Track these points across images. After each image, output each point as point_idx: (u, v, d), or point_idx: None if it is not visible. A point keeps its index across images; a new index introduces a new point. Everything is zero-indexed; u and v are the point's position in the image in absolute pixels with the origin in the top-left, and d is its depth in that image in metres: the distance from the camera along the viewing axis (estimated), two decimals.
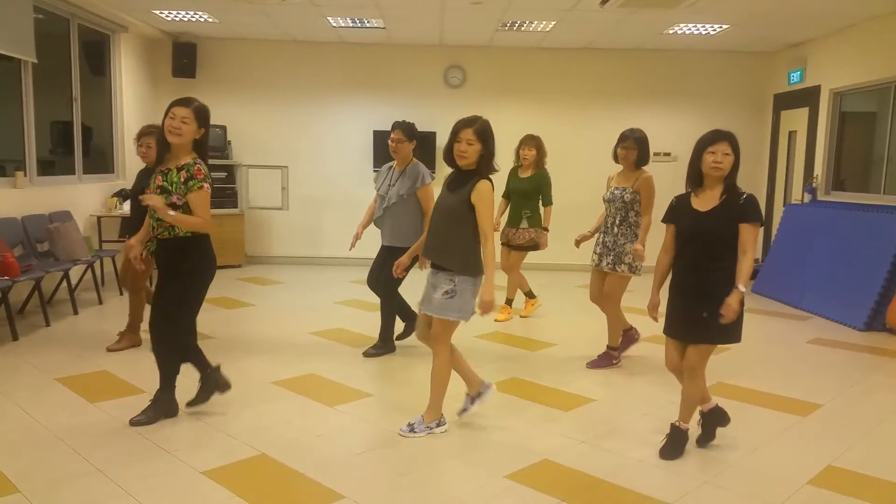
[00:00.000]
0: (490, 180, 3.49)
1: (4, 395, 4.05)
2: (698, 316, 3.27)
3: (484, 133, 3.47)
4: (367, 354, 5.04)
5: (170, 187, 3.50)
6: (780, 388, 4.51)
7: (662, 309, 3.51)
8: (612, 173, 4.93)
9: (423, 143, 8.94)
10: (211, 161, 9.15)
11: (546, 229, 6.06)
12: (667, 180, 5.83)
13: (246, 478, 3.10)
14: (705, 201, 3.32)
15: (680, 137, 8.67)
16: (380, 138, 9.01)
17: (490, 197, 3.45)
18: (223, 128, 8.77)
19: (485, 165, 3.48)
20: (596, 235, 4.93)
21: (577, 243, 5.02)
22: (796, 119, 8.53)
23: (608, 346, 4.96)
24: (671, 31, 7.85)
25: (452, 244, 3.49)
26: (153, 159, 4.59)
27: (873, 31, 7.06)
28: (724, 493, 3.07)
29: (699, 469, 3.29)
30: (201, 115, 3.56)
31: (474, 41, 8.72)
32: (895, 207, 6.49)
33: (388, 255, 4.88)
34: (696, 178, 3.36)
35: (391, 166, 5.11)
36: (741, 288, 3.19)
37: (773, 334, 6.07)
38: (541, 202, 6.05)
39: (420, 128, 9.06)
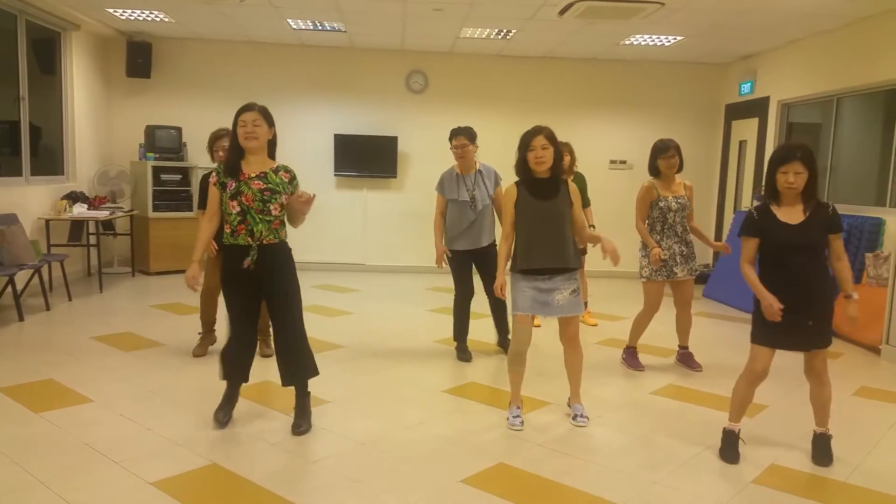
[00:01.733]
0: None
1: None
2: (804, 325, 3.36)
3: (554, 137, 3.77)
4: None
5: (278, 188, 3.59)
6: (729, 389, 4.58)
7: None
8: (647, 183, 4.92)
9: (385, 147, 9.02)
10: (165, 163, 9.02)
11: (593, 226, 6.16)
12: (623, 187, 5.97)
13: (197, 488, 3.04)
14: (790, 214, 3.35)
15: (636, 145, 8.86)
16: (341, 142, 8.99)
17: (577, 192, 3.84)
18: (178, 129, 8.61)
19: (559, 167, 3.80)
20: (642, 249, 4.96)
21: (658, 260, 4.82)
22: (747, 129, 8.78)
23: (683, 347, 5.20)
24: (627, 42, 8.01)
25: (568, 245, 3.76)
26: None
27: (819, 46, 7.33)
28: (673, 492, 3.14)
29: (650, 469, 3.36)
30: (268, 115, 3.69)
31: (436, 47, 8.76)
32: None
33: (489, 256, 5.01)
34: (772, 193, 3.40)
35: (455, 173, 5.07)
36: (855, 295, 3.39)
37: (722, 338, 6.22)
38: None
39: (381, 132, 9.19)
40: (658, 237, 4.87)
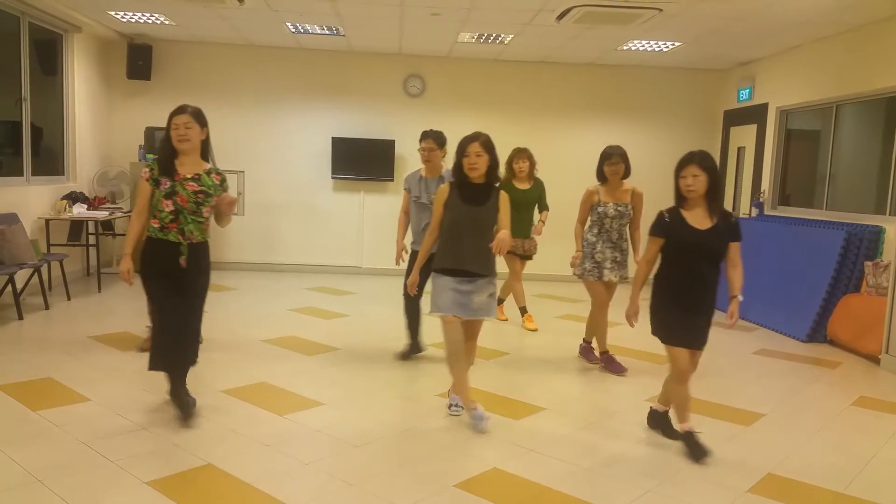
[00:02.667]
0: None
1: None
2: (699, 324, 3.60)
3: (489, 145, 3.84)
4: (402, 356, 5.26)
5: (210, 191, 3.73)
6: (725, 397, 4.64)
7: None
8: (592, 187, 5.03)
9: (382, 151, 9.04)
10: (146, 167, 8.99)
11: (543, 222, 6.42)
12: None
13: (192, 488, 3.05)
14: (698, 219, 3.53)
15: (634, 151, 8.76)
16: (338, 145, 9.01)
17: (508, 203, 3.90)
18: None
19: (494, 175, 3.87)
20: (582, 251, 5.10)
21: (575, 264, 5.10)
22: (745, 135, 8.80)
23: (602, 351, 5.24)
24: (625, 48, 8.03)
25: (488, 251, 3.80)
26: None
27: (818, 53, 7.34)
28: (668, 500, 3.15)
29: (645, 477, 3.37)
30: (200, 117, 3.78)
31: (434, 51, 8.79)
32: (837, 223, 6.74)
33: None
34: (679, 198, 3.58)
35: (420, 176, 5.10)
36: (740, 297, 3.60)
37: (720, 345, 6.22)
38: (536, 209, 6.39)
39: (379, 136, 9.20)
40: (594, 240, 5.01)
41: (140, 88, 8.79)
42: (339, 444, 3.61)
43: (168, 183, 3.64)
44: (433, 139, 5.02)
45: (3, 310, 6.16)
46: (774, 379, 5.22)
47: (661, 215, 3.61)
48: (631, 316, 3.71)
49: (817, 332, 6.34)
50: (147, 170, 3.70)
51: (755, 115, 8.47)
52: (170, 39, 8.74)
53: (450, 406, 4.13)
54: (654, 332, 3.68)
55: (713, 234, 3.50)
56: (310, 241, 9.17)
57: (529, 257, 6.42)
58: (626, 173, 4.98)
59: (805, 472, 3.51)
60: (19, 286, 6.21)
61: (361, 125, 9.14)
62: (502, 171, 6.19)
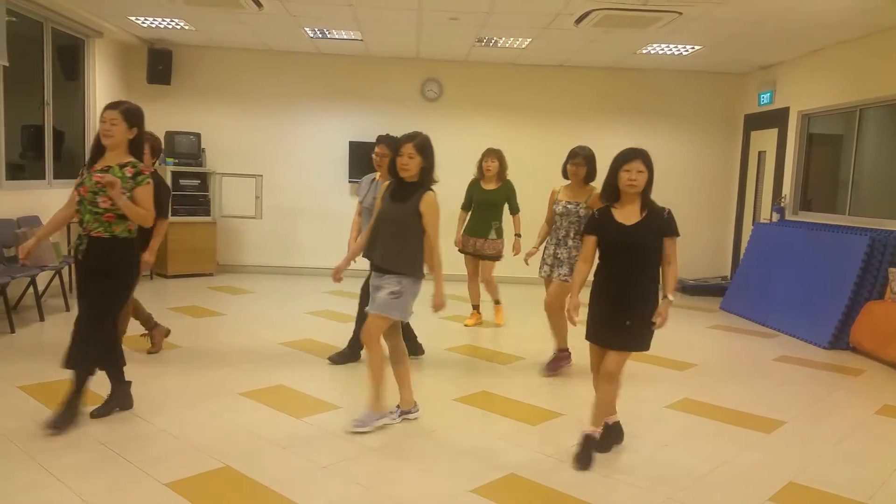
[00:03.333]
0: (433, 191, 3.79)
1: None
2: (621, 324, 3.43)
3: (424, 147, 3.77)
4: (332, 360, 5.13)
5: (116, 182, 3.56)
6: (745, 404, 4.57)
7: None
8: (557, 187, 5.10)
9: None
10: (184, 168, 9.12)
11: (518, 235, 6.24)
12: None
13: (210, 490, 3.06)
14: (627, 215, 3.47)
15: (653, 156, 8.77)
16: (356, 149, 9.03)
17: (437, 207, 3.77)
18: (197, 135, 8.71)
19: (426, 177, 3.78)
20: (542, 248, 5.16)
21: (527, 260, 5.31)
22: (766, 139, 8.71)
23: (558, 349, 5.16)
24: (644, 51, 7.99)
25: (402, 250, 3.74)
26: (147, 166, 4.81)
27: (840, 56, 7.25)
28: None
29: (663, 484, 3.32)
30: (130, 116, 3.66)
31: (451, 55, 8.79)
32: (860, 228, 6.64)
33: None
34: (612, 193, 3.50)
35: (373, 178, 5.08)
36: (671, 298, 3.41)
37: (740, 351, 6.16)
38: (509, 211, 6.27)
39: None
40: (549, 238, 5.08)
41: (160, 93, 8.88)
42: (355, 447, 3.60)
43: (85, 174, 3.63)
44: (386, 145, 4.97)
45: (25, 311, 6.23)
46: (796, 386, 5.14)
47: (591, 214, 3.60)
48: (570, 310, 3.55)
49: (840, 339, 6.24)
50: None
51: (776, 119, 8.38)
52: (190, 44, 8.82)
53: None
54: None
55: (638, 229, 3.41)
56: (326, 244, 9.17)
57: (484, 257, 6.23)
58: (589, 176, 4.93)
59: (828, 481, 3.44)
60: (41, 288, 6.28)
61: (379, 129, 9.00)
62: (473, 170, 6.25)
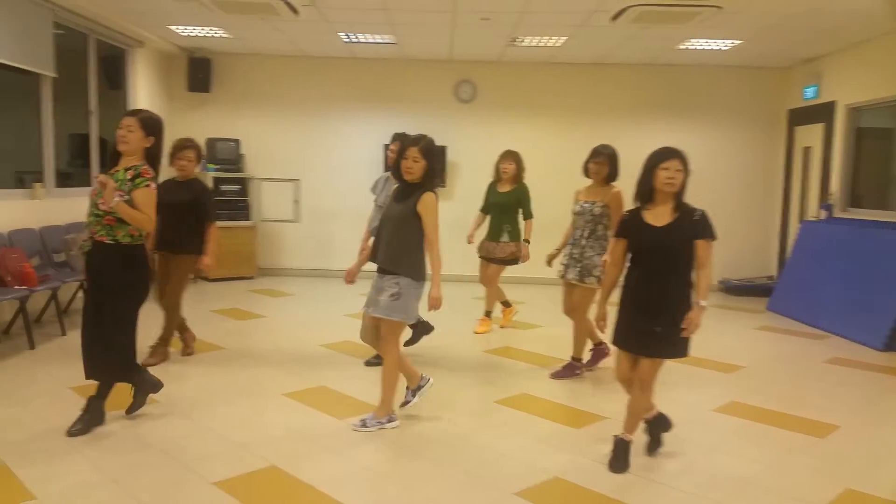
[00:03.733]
0: (434, 192, 3.77)
1: (21, 404, 4.08)
2: (652, 330, 3.31)
3: (428, 151, 3.75)
4: (369, 363, 5.10)
5: (114, 186, 3.52)
6: (796, 408, 4.43)
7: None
8: (580, 187, 5.00)
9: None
10: (225, 174, 9.23)
11: (527, 241, 6.09)
12: None
13: (256, 489, 3.09)
14: (658, 217, 3.35)
15: (692, 153, 8.52)
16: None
17: (434, 207, 3.73)
18: (236, 141, 8.84)
19: (429, 179, 3.77)
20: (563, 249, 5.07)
21: (549, 261, 5.16)
22: (811, 135, 8.47)
23: (572, 357, 5.02)
24: (684, 47, 7.84)
25: (401, 250, 3.75)
26: (191, 172, 5.01)
27: (888, 47, 7.00)
28: None
29: (712, 489, 3.24)
30: (148, 124, 3.65)
31: (485, 56, 8.76)
32: None
33: None
34: (646, 193, 3.38)
35: (387, 177, 5.09)
36: (703, 303, 3.26)
37: (789, 353, 5.98)
38: (521, 216, 6.11)
39: None
40: (571, 237, 4.97)
41: (200, 101, 9.04)
42: (398, 448, 3.60)
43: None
44: (401, 142, 4.96)
45: (76, 314, 6.37)
46: (849, 389, 4.97)
47: (622, 215, 3.52)
48: (598, 319, 3.55)
49: (895, 341, 6.02)
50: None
51: (822, 113, 8.14)
52: (228, 52, 8.96)
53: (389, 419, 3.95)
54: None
55: (669, 231, 3.28)
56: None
57: (493, 260, 6.08)
58: (611, 176, 4.83)
59: (887, 487, 3.31)
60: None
61: (413, 131, 9.04)
62: (554, 175, 6.18)
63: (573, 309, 4.93)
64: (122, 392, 4.33)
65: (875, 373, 5.39)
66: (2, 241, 5.49)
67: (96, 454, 3.39)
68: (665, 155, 3.34)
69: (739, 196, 9.13)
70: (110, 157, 3.74)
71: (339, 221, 9.29)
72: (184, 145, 5.05)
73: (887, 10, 5.54)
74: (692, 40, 7.53)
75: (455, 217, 9.20)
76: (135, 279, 3.65)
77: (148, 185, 3.58)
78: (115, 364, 3.69)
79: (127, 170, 3.60)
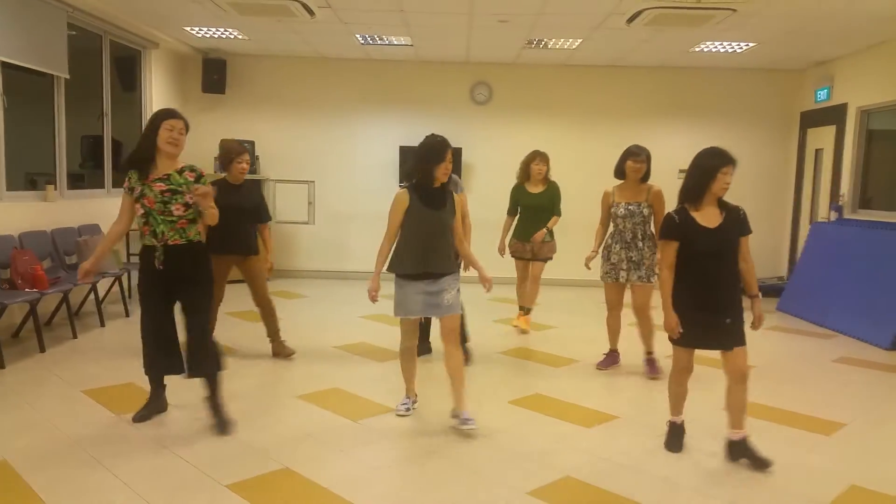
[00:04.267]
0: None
1: (32, 407, 4.12)
2: (723, 323, 3.43)
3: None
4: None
5: (180, 188, 3.66)
6: (805, 406, 4.45)
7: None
8: (609, 188, 5.04)
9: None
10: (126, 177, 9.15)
11: (549, 230, 6.24)
12: None
13: (270, 492, 3.12)
14: (709, 218, 3.45)
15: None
16: (406, 154, 9.09)
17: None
18: (251, 143, 8.88)
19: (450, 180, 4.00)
20: (601, 252, 5.09)
21: (588, 264, 5.17)
22: (823, 137, 8.45)
23: (648, 353, 5.12)
24: (698, 49, 7.84)
25: (450, 250, 3.95)
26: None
27: None
28: None
29: (721, 487, 3.26)
30: (187, 126, 3.85)
31: (500, 58, 8.78)
32: None
33: None
34: (699, 195, 3.45)
35: None
36: (759, 294, 3.50)
37: (798, 352, 5.98)
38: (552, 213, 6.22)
39: None
40: (610, 242, 5.02)
41: (215, 102, 9.10)
42: (411, 449, 3.63)
43: (139, 189, 3.64)
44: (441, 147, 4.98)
45: (86, 317, 6.45)
46: (856, 387, 4.98)
47: (670, 217, 3.50)
48: (672, 328, 3.48)
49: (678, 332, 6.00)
50: (126, 179, 3.69)
51: (834, 115, 8.12)
52: (243, 54, 9.02)
53: (398, 407, 4.18)
54: (670, 337, 3.58)
55: (723, 231, 3.42)
56: (378, 249, 9.27)
57: (540, 259, 6.22)
58: (647, 175, 4.93)
59: (892, 484, 3.33)
60: (101, 294, 6.49)
61: (428, 133, 9.18)
62: (570, 177, 6.21)
63: (641, 307, 5.03)
64: (131, 395, 4.39)
65: (882, 371, 5.40)
66: (13, 243, 5.49)
67: (107, 457, 3.41)
68: (725, 160, 3.42)
69: (752, 197, 9.07)
70: (141, 161, 3.69)
71: (353, 223, 9.34)
72: (241, 149, 5.13)
73: None
74: (706, 43, 7.53)
75: (473, 218, 9.22)
76: (210, 272, 3.84)
77: (208, 182, 3.80)
78: (214, 356, 3.84)
79: (182, 172, 3.71)
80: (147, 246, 3.70)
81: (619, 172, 4.96)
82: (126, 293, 6.78)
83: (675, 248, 3.47)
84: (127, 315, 6.61)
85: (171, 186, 3.66)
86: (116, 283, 6.75)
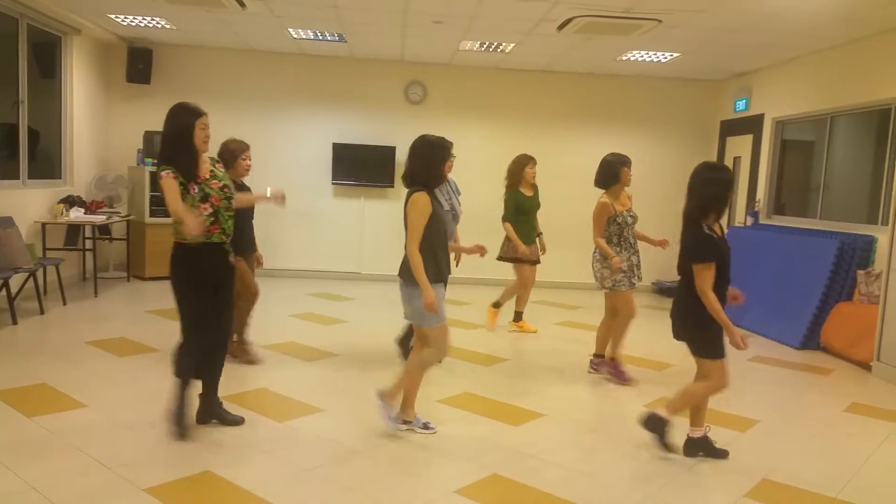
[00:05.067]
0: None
1: None
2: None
3: None
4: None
5: (228, 181, 3.70)
6: (720, 404, 4.64)
7: None
8: (604, 199, 4.99)
9: (383, 157, 9.06)
10: (165, 170, 8.97)
11: (540, 233, 6.46)
12: None
13: (191, 495, 3.04)
14: (718, 230, 3.64)
15: (632, 160, 8.90)
16: (339, 151, 9.03)
17: None
18: None
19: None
20: (604, 262, 5.03)
21: (623, 265, 4.98)
22: (741, 145, 8.86)
23: (612, 358, 5.17)
24: (625, 58, 8.09)
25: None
26: None
27: (814, 65, 7.41)
28: None
29: (644, 482, 3.39)
30: None
31: (436, 59, 8.82)
32: (831, 232, 6.80)
33: None
34: (720, 213, 3.63)
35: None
36: None
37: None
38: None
39: (379, 142, 9.21)
40: (617, 249, 4.99)
41: (139, 92, 8.79)
42: (339, 449, 3.61)
43: (196, 187, 3.51)
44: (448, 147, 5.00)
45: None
46: (769, 385, 5.26)
47: (709, 238, 3.46)
48: (743, 338, 3.43)
49: (811, 340, 6.38)
50: (171, 170, 3.47)
51: (751, 125, 8.53)
52: (170, 43, 8.74)
53: (425, 426, 3.91)
54: (706, 353, 3.58)
55: (726, 240, 3.65)
56: (309, 246, 9.16)
57: (539, 262, 6.43)
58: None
59: (799, 477, 3.55)
60: (14, 290, 6.18)
61: (362, 131, 9.17)
62: (503, 177, 6.29)
63: (633, 311, 5.06)
64: (42, 397, 4.21)
65: (792, 370, 5.72)
66: None
67: (16, 463, 3.25)
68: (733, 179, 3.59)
69: (674, 203, 9.34)
70: (192, 162, 3.53)
71: (285, 220, 9.17)
72: (245, 146, 5.06)
73: None
74: (633, 52, 7.78)
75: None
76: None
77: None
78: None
79: (215, 165, 3.72)
80: (213, 244, 3.60)
81: (613, 179, 4.96)
82: (41, 290, 6.47)
83: (714, 268, 3.44)
84: (42, 312, 6.32)
85: (224, 182, 3.66)
86: (31, 279, 6.44)
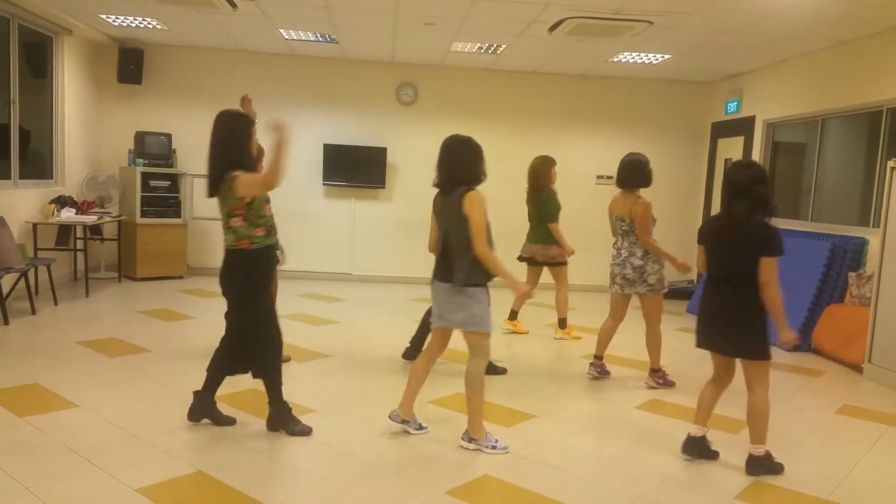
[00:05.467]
0: None
1: None
2: None
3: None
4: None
5: None
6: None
7: None
8: (648, 199, 5.11)
9: (374, 158, 9.06)
10: (155, 169, 9.00)
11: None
12: (609, 202, 6.00)
13: (182, 496, 3.04)
14: None
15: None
16: (330, 152, 9.02)
17: None
18: (168, 136, 8.61)
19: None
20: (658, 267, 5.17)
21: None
22: (732, 147, 8.91)
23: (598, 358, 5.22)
24: (616, 59, 8.12)
25: None
26: None
27: (805, 67, 7.46)
28: None
29: (636, 484, 3.40)
30: None
31: (427, 60, 8.83)
32: (822, 234, 6.84)
33: None
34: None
35: None
36: None
37: (705, 354, 6.25)
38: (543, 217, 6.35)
39: (370, 143, 9.21)
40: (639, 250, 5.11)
41: (131, 92, 8.77)
42: (331, 450, 3.61)
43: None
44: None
45: None
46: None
47: (778, 230, 3.52)
48: (795, 338, 3.53)
49: (802, 342, 6.41)
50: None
51: (742, 127, 8.58)
52: (162, 44, 8.72)
53: (496, 445, 3.73)
54: (763, 354, 3.58)
55: None
56: (300, 247, 9.15)
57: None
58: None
59: (791, 478, 3.56)
60: (5, 290, 6.15)
61: (353, 132, 9.17)
62: (495, 178, 6.29)
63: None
64: (34, 397, 4.20)
65: (784, 372, 5.74)
66: None
67: (8, 462, 3.24)
68: None
69: (665, 204, 9.49)
70: (253, 168, 3.90)
71: (276, 220, 9.16)
72: (260, 147, 5.01)
73: None
74: (624, 53, 7.81)
75: (395, 218, 9.31)
76: None
77: None
78: None
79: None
80: (271, 245, 3.81)
81: (647, 181, 5.06)
82: (32, 290, 6.44)
83: None
84: (33, 312, 6.29)
85: None
86: (22, 279, 6.41)
